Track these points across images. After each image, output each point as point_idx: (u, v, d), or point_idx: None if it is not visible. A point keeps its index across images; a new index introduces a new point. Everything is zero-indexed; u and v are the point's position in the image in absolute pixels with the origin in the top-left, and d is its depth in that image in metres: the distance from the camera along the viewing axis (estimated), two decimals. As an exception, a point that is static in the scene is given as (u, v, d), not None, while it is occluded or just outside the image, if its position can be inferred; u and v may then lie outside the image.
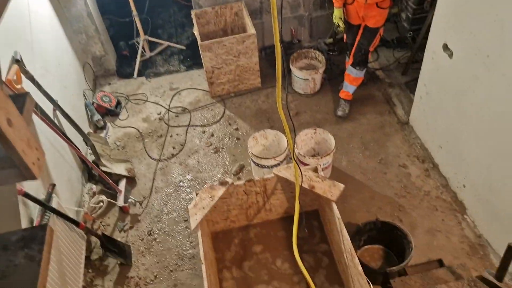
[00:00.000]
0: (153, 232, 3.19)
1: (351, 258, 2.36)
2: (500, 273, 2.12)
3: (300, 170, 2.52)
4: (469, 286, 2.25)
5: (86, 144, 3.37)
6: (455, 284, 2.28)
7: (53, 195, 2.57)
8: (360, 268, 2.24)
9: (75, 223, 2.65)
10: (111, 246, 2.91)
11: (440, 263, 2.70)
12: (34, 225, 2.39)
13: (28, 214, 2.43)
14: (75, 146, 2.99)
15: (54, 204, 2.53)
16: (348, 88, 3.76)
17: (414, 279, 2.52)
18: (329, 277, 2.77)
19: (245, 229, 3.09)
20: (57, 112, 3.11)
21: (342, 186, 2.61)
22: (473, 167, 2.79)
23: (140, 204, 3.39)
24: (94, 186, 3.46)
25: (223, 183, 2.73)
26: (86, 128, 3.81)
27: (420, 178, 3.28)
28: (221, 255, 2.96)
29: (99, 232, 2.98)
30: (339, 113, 3.84)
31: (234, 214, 3.00)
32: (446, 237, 2.89)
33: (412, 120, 3.61)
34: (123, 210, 3.32)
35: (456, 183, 3.05)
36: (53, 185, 2.60)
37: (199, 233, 2.50)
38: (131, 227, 3.24)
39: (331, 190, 2.60)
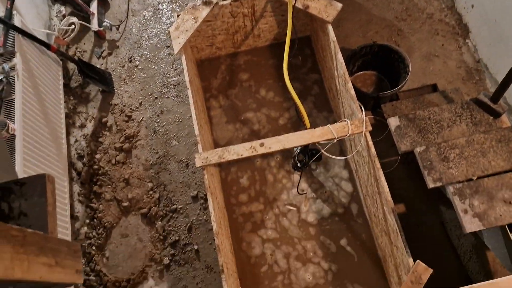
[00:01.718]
0: (134, 59, 2.99)
1: (343, 83, 2.25)
2: (497, 94, 2.05)
3: (294, -16, 2.21)
4: (462, 108, 2.21)
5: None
6: (447, 106, 2.23)
7: (14, 12, 2.27)
8: (353, 92, 2.15)
9: (45, 45, 2.41)
10: (90, 72, 2.73)
11: (434, 88, 2.64)
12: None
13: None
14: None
15: (17, 22, 2.24)
16: None
17: (405, 103, 2.48)
18: (318, 104, 2.72)
19: (232, 56, 2.91)
20: None
21: (339, 5, 2.34)
22: (486, -17, 2.50)
23: (117, 28, 3.10)
24: (62, 8, 3.11)
25: (207, 2, 2.42)
26: None
27: None
28: (207, 84, 2.84)
29: (75, 58, 2.77)
30: None
31: (219, 40, 2.78)
32: (444, 62, 2.76)
33: None
34: (99, 35, 3.04)
35: (463, 3, 2.78)
36: (12, 1, 2.27)
37: (183, 58, 2.32)
38: (109, 54, 3.02)
39: (327, 10, 2.34)
